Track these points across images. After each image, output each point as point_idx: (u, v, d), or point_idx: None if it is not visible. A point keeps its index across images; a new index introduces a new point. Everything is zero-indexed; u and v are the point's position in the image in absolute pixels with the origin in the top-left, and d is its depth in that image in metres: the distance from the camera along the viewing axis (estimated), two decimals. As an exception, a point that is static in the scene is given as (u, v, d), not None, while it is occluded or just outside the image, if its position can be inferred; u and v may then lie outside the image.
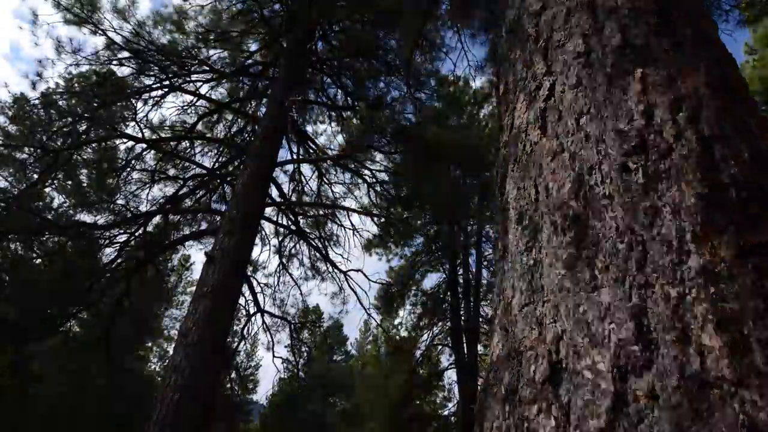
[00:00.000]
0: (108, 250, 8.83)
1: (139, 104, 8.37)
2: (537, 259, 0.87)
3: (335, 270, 9.89)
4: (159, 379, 28.47)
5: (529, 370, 0.76)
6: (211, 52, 9.71)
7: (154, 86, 8.38)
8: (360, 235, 10.20)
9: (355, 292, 9.36)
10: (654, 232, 0.72)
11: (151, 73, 8.39)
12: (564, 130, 0.97)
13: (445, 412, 14.89)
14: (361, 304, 9.48)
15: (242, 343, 10.47)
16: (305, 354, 13.26)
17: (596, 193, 0.83)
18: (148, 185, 9.11)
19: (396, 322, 15.62)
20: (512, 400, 0.77)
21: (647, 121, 0.85)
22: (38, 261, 8.88)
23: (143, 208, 9.03)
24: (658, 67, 0.93)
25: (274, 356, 10.02)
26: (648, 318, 0.66)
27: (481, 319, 14.44)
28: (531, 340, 0.78)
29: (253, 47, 10.31)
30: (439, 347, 14.71)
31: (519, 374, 0.78)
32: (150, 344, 27.75)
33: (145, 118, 8.56)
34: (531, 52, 1.20)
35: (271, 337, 9.93)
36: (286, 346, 19.94)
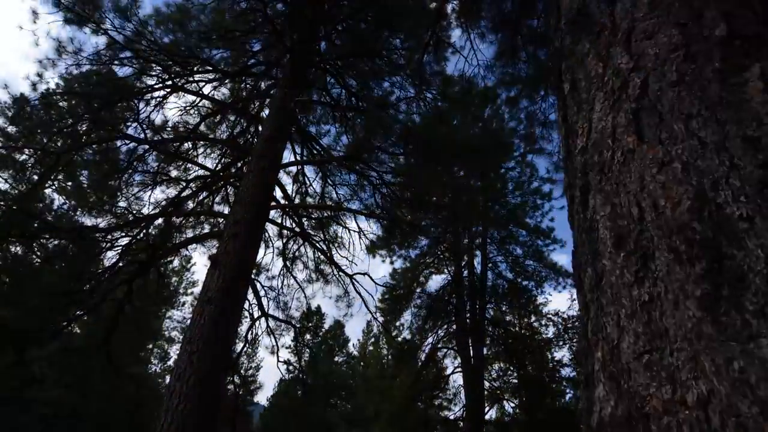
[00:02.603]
0: (110, 254, 8.68)
1: (141, 105, 8.22)
2: (653, 294, 0.71)
3: (340, 273, 9.73)
4: (159, 380, 28.37)
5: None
6: (214, 51, 9.56)
7: (156, 86, 8.23)
8: (365, 237, 10.05)
9: (361, 296, 9.21)
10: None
11: (153, 73, 8.24)
12: (669, 135, 0.81)
13: (452, 416, 14.73)
14: (367, 307, 9.33)
15: (246, 346, 10.32)
16: (309, 357, 13.12)
17: (727, 213, 0.67)
18: (150, 187, 8.97)
19: (401, 324, 15.47)
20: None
21: (782, 126, 0.70)
22: (39, 264, 8.73)
23: (145, 210, 8.89)
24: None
25: (278, 361, 9.86)
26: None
27: (486, 322, 14.29)
28: (662, 400, 0.63)
29: (257, 47, 10.17)
30: (445, 350, 14.56)
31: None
32: (150, 346, 27.60)
33: (147, 119, 8.42)
34: (607, 45, 1.04)
35: (276, 341, 9.78)
36: (286, 347, 19.76)
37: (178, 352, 6.04)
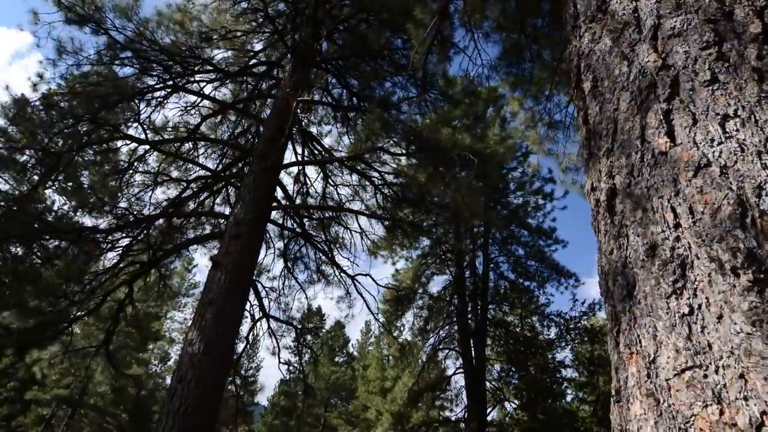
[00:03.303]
0: (110, 254, 8.64)
1: (142, 105, 8.18)
2: (693, 305, 0.67)
3: (342, 274, 9.69)
4: (159, 380, 28.35)
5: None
6: (215, 51, 9.54)
7: (156, 87, 8.19)
8: (367, 238, 10.00)
9: (363, 297, 9.16)
10: None
11: (154, 73, 8.20)
12: (705, 137, 0.77)
13: (453, 417, 14.67)
14: (369, 309, 9.29)
15: (247, 347, 10.28)
16: (310, 358, 13.07)
17: (773, 221, 0.63)
18: (150, 188, 8.93)
19: (401, 325, 15.42)
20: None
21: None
22: (39, 264, 8.69)
23: (146, 211, 8.84)
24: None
25: (280, 362, 9.82)
26: None
27: (488, 322, 14.24)
28: (708, 422, 0.59)
29: (258, 47, 10.14)
30: (446, 350, 14.51)
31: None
32: (151, 346, 27.60)
33: (147, 119, 8.37)
34: (631, 43, 1.00)
35: (277, 343, 9.74)
36: (287, 348, 19.74)
37: (178, 353, 6.01)
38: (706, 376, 0.61)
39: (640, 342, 0.73)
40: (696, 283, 0.68)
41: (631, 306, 0.76)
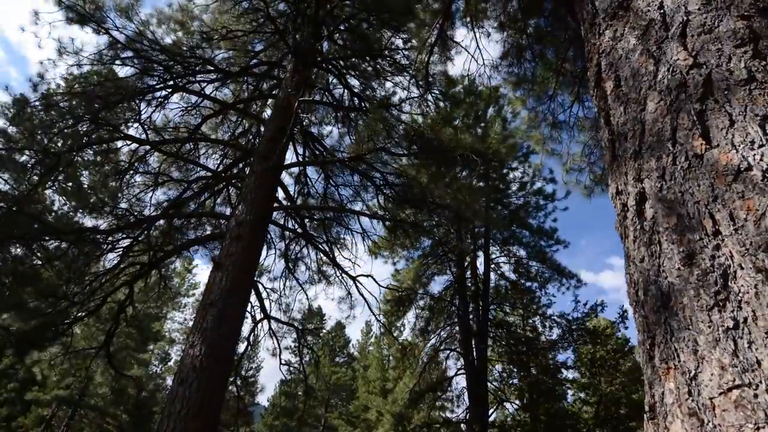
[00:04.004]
0: (110, 255, 8.60)
1: (143, 105, 8.14)
2: (738, 319, 0.63)
3: (343, 275, 9.65)
4: (160, 380, 28.32)
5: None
6: (216, 51, 9.49)
7: (157, 87, 8.15)
8: (368, 238, 9.97)
9: (365, 299, 9.12)
10: None
11: (155, 73, 8.16)
12: (744, 139, 0.73)
13: (454, 418, 14.63)
14: (371, 310, 9.24)
15: (248, 348, 10.24)
16: (311, 359, 13.03)
17: (823, 229, 0.59)
18: (151, 188, 8.89)
19: (401, 325, 15.39)
20: None
21: None
22: (39, 265, 8.65)
23: (146, 211, 8.80)
24: None
25: (281, 363, 9.77)
26: None
27: (489, 323, 14.21)
28: (762, 446, 0.55)
29: (259, 47, 10.10)
30: (447, 351, 14.47)
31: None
32: (151, 347, 27.57)
33: (148, 120, 8.34)
34: (658, 41, 0.96)
35: (278, 344, 9.70)
36: (287, 349, 19.72)
37: (179, 353, 5.97)
38: (756, 396, 0.57)
39: (678, 356, 0.69)
40: (740, 295, 0.64)
41: (667, 318, 0.72)
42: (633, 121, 0.95)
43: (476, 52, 6.63)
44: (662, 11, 0.99)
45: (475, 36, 6.48)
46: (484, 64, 6.69)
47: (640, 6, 1.05)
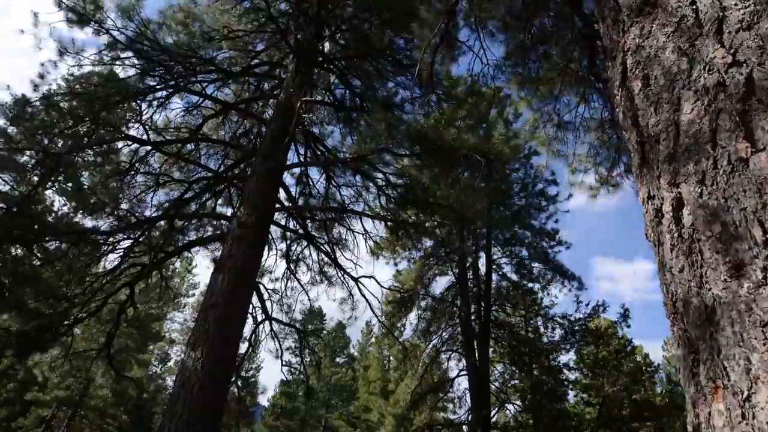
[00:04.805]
0: (111, 256, 8.56)
1: (144, 106, 8.09)
2: (797, 337, 0.59)
3: (345, 276, 9.60)
4: (160, 381, 28.28)
5: None
6: (217, 51, 9.45)
7: (158, 87, 8.11)
8: (370, 239, 9.92)
9: (366, 299, 9.07)
10: None
11: (156, 73, 8.11)
12: (793, 141, 0.69)
13: (456, 419, 14.58)
14: (373, 311, 9.19)
15: (249, 350, 10.19)
16: (312, 360, 12.98)
17: None
18: (152, 189, 8.84)
19: (405, 327, 15.34)
20: None
21: None
22: (39, 266, 8.61)
23: (147, 212, 8.76)
24: None
25: (282, 364, 9.73)
26: None
27: (491, 324, 14.16)
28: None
29: (260, 47, 10.05)
30: (449, 352, 14.42)
31: None
32: (151, 347, 27.52)
33: (149, 120, 8.29)
34: (691, 37, 0.91)
35: (280, 345, 9.65)
36: (288, 349, 19.71)
37: (180, 354, 5.93)
38: (822, 423, 0.53)
39: (727, 375, 0.64)
40: (798, 310, 0.60)
41: (713, 333, 0.67)
42: (665, 122, 0.90)
43: (480, 52, 6.57)
44: (694, 7, 0.94)
45: (479, 36, 6.43)
46: (488, 63, 6.63)
47: (669, 2, 1.00)
